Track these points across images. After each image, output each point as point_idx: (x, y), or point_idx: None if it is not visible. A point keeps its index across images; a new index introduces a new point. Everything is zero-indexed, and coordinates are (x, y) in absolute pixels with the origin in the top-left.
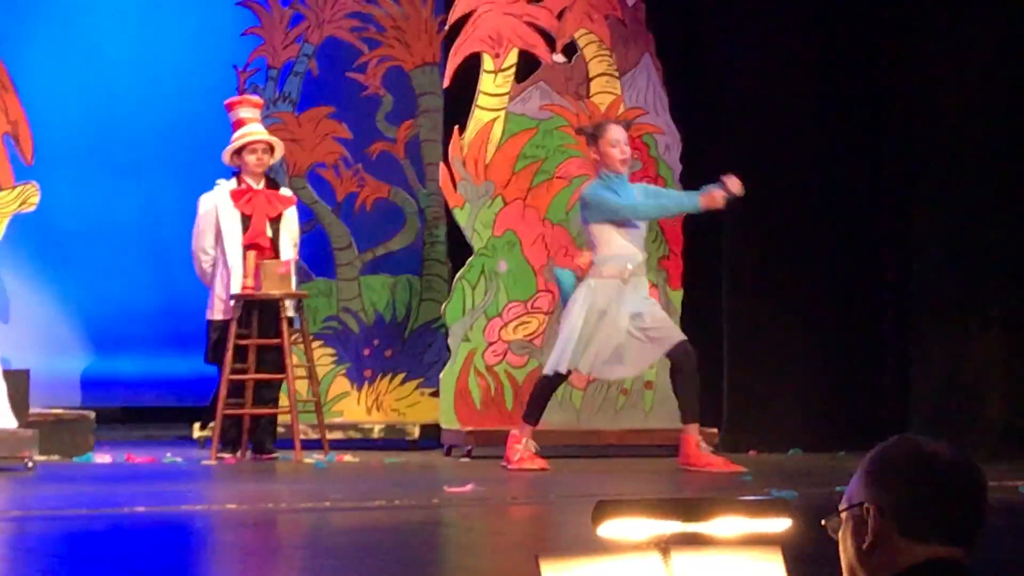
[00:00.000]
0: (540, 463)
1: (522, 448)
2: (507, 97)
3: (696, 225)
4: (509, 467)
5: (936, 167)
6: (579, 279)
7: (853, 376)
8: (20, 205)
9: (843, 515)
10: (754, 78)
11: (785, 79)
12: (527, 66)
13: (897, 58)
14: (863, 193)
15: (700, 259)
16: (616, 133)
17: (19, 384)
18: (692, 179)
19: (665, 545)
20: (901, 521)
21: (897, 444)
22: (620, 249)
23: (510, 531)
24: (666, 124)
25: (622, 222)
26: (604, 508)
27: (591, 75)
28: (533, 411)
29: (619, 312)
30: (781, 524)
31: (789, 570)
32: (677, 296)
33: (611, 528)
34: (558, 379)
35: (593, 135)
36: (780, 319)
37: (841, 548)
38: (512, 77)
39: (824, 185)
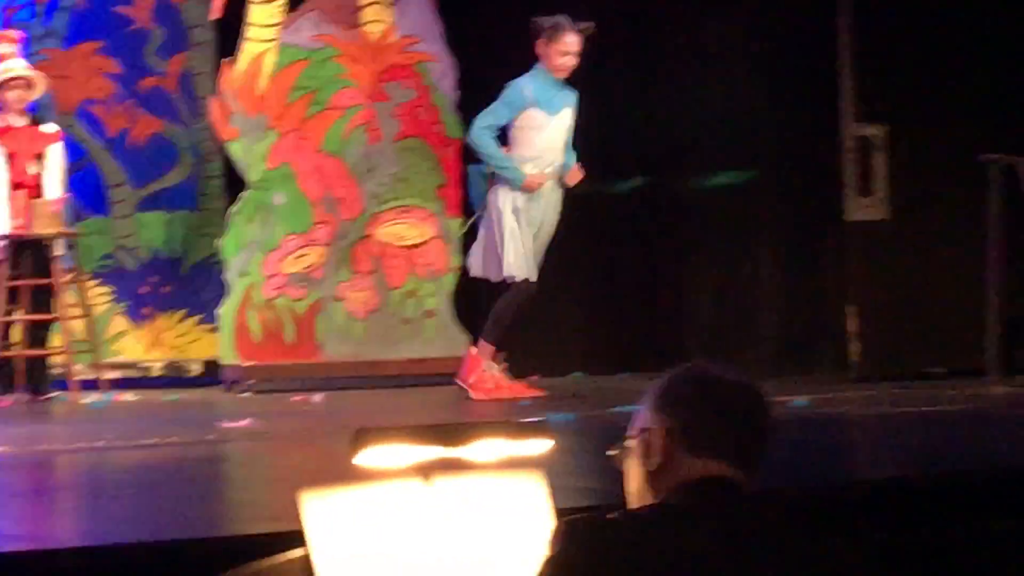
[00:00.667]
0: (515, 389)
1: (484, 372)
2: (278, 28)
3: (472, 153)
4: (474, 396)
5: (707, 97)
6: (491, 177)
7: (631, 299)
8: None
9: (631, 442)
10: (526, 2)
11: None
12: None
13: None
14: (635, 120)
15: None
16: (571, 44)
17: None
18: (468, 108)
19: (427, 470)
20: (688, 441)
21: (683, 371)
22: (541, 150)
23: (287, 465)
24: (440, 52)
25: (541, 123)
26: (363, 436)
27: (362, 3)
28: (496, 330)
29: (532, 217)
30: (543, 446)
31: (554, 490)
32: (455, 224)
33: (372, 456)
34: (528, 286)
35: (545, 35)
36: (559, 244)
37: (627, 476)
38: (282, 7)
39: (598, 112)
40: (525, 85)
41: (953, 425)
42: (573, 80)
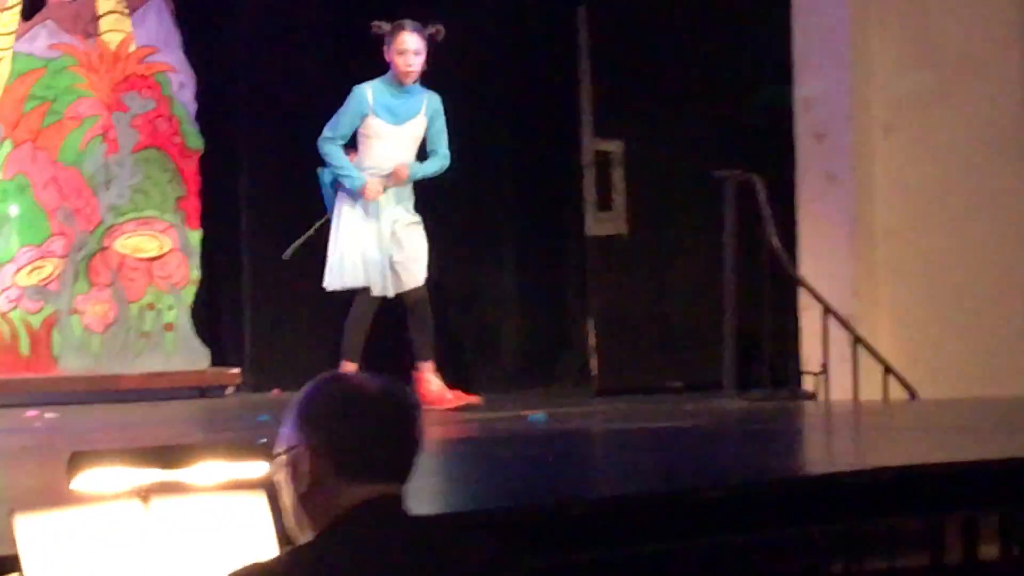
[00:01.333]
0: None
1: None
2: (12, 36)
3: (212, 164)
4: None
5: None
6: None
7: (381, 311)
8: None
9: (279, 460)
10: (266, 14)
11: (295, 12)
12: (33, 4)
13: None
14: None
15: (218, 197)
16: (407, 42)
17: None
18: (208, 118)
19: (145, 493)
20: (336, 460)
21: (325, 382)
22: (380, 160)
23: (9, 484)
24: (179, 62)
25: (381, 131)
26: (79, 460)
27: (100, 13)
28: (346, 344)
29: (376, 227)
30: (262, 468)
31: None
32: (196, 236)
33: (89, 480)
34: (366, 296)
35: (386, 39)
36: (300, 255)
37: (281, 497)
38: (18, 15)
39: None
40: (366, 92)
41: (687, 441)
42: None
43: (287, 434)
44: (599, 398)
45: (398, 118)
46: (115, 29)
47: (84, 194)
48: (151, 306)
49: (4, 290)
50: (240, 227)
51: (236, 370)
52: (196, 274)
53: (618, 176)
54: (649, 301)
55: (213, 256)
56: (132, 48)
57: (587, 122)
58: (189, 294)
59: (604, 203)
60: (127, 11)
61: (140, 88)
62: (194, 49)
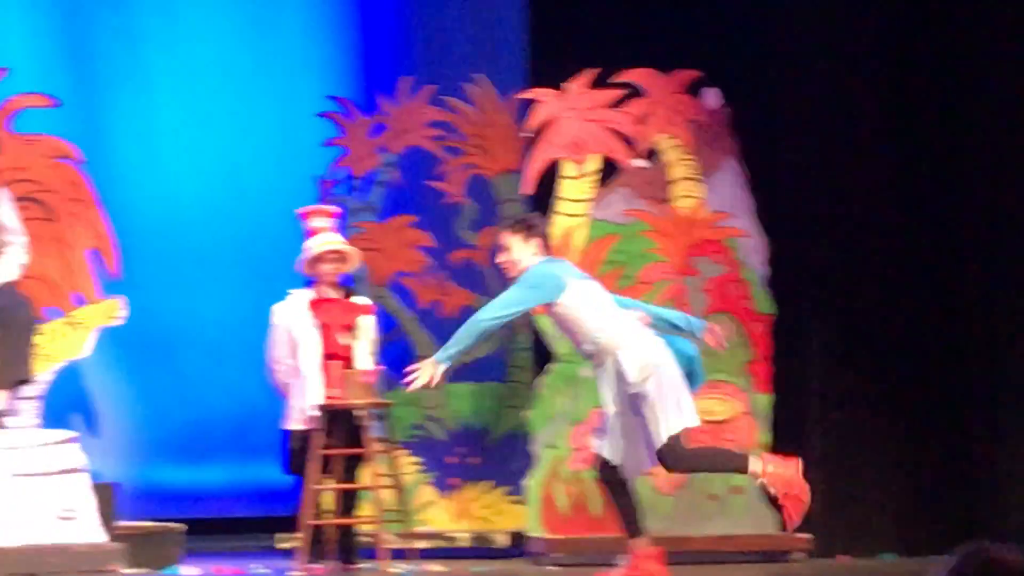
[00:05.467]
0: None
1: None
2: (589, 203)
3: (781, 329)
4: None
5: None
6: None
7: (945, 476)
8: (106, 320)
9: None
10: (834, 180)
11: (865, 182)
12: (607, 170)
13: (975, 150)
14: (950, 290)
15: (786, 362)
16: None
17: (105, 497)
18: (778, 284)
19: None
20: None
21: (971, 551)
22: None
23: None
24: (750, 227)
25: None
26: None
27: (673, 179)
28: None
29: None
30: None
31: None
32: (765, 400)
33: None
34: None
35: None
36: (868, 419)
37: None
38: (593, 183)
39: (909, 282)
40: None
41: None
42: None
43: None
44: None
45: None
46: (688, 195)
47: None
48: None
49: (576, 451)
50: (808, 392)
51: (805, 535)
52: (764, 438)
53: None
54: None
55: (781, 421)
56: (704, 213)
57: None
58: None
59: None
60: (700, 177)
61: (711, 253)
62: (764, 215)
